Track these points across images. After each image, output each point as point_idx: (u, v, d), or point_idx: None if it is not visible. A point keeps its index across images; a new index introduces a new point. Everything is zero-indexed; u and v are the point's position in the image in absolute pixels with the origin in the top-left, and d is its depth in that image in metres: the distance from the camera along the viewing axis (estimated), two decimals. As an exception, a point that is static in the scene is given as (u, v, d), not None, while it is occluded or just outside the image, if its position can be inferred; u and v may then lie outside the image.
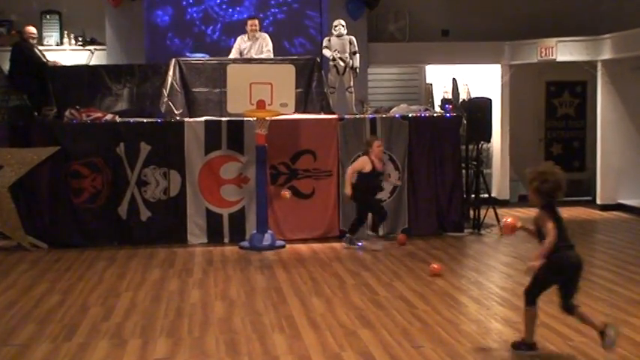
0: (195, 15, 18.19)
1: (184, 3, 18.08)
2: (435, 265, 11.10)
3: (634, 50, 16.03)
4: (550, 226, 6.96)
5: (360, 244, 12.86)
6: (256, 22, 15.67)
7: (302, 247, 13.05)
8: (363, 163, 12.67)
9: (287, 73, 13.22)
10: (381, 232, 13.73)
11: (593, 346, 7.61)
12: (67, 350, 7.68)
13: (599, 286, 10.07)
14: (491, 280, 10.72)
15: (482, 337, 8.08)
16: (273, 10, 18.28)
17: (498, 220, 14.26)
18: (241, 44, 15.59)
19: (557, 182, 7.09)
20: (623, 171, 17.12)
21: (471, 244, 13.44)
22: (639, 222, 15.59)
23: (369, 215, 13.10)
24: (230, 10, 18.16)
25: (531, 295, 7.28)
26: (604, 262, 11.58)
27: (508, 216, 8.54)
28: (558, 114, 18.90)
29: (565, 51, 17.16)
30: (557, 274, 7.14)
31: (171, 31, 18.11)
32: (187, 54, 15.82)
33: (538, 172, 7.22)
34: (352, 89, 15.06)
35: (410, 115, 14.19)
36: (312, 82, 14.86)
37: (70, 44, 17.55)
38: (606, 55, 16.80)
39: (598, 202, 16.93)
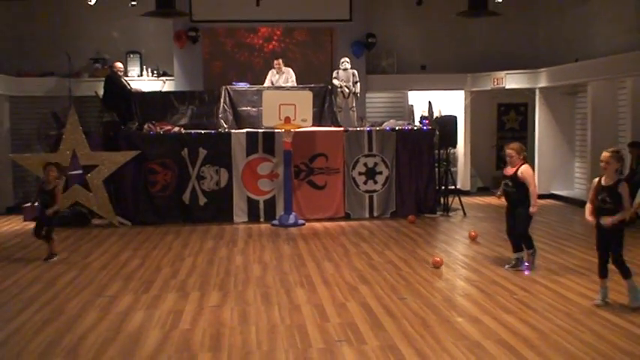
0: (237, 56, 18.22)
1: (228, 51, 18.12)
2: (473, 233, 11.36)
3: (563, 80, 15.97)
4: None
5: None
6: (280, 61, 15.75)
7: (317, 225, 13.00)
8: None
9: (306, 97, 13.21)
10: (375, 214, 13.72)
11: (532, 299, 7.57)
12: (144, 300, 7.70)
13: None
14: (457, 250, 10.66)
15: (449, 291, 8.05)
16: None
17: (462, 205, 14.22)
18: (272, 76, 15.65)
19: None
20: (554, 169, 17.04)
21: (442, 223, 13.37)
22: (567, 207, 15.49)
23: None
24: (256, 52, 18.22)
25: None
26: (541, 237, 11.49)
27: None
28: (506, 127, 18.77)
29: (512, 80, 17.06)
30: None
31: (221, 66, 18.15)
32: (234, 83, 15.80)
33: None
34: (354, 109, 15.04)
35: (397, 128, 14.12)
36: (325, 103, 14.88)
37: (147, 75, 17.56)
38: (542, 83, 16.70)
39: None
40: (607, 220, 7.09)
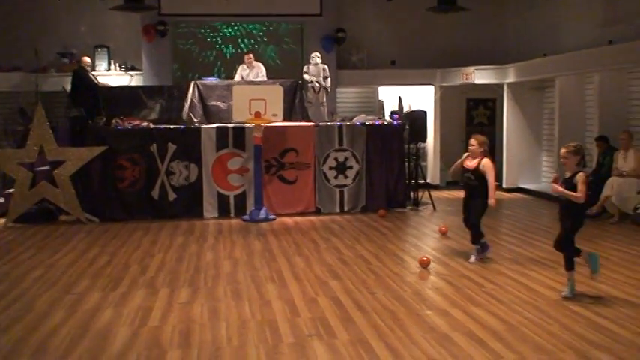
0: (207, 52, 18.17)
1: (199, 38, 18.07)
2: (443, 227, 11.34)
3: (530, 75, 16.13)
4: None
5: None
6: (251, 55, 15.75)
7: (288, 220, 13.00)
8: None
9: (277, 91, 13.20)
10: (346, 208, 13.75)
11: (500, 292, 7.65)
12: (113, 297, 7.64)
13: (504, 248, 10.11)
14: (426, 244, 10.73)
15: (419, 285, 8.10)
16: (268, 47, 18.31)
17: (432, 200, 14.31)
18: (242, 71, 15.63)
19: None
20: (522, 163, 17.22)
21: (412, 217, 13.44)
22: (534, 200, 15.67)
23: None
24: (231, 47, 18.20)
25: None
26: (509, 230, 11.62)
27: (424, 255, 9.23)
28: (475, 122, 18.92)
29: (480, 76, 17.18)
30: None
31: (190, 60, 18.09)
32: (203, 77, 15.76)
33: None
34: (325, 104, 15.04)
35: (367, 123, 14.16)
36: (296, 98, 14.87)
37: (115, 70, 17.48)
38: (510, 79, 16.85)
39: (504, 186, 16.99)
40: (555, 188, 7.35)
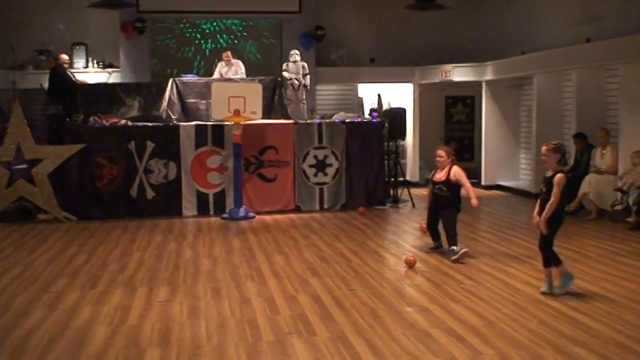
0: (186, 48, 18.12)
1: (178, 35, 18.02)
2: (424, 224, 10.86)
3: (508, 73, 16.23)
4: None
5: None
6: (229, 52, 15.73)
7: (267, 218, 12.99)
8: None
9: (256, 89, 13.19)
10: (326, 206, 13.77)
11: (479, 288, 7.70)
12: (91, 296, 7.60)
13: (483, 244, 10.18)
14: (406, 241, 10.77)
15: (399, 281, 8.14)
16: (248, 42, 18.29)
17: (411, 197, 14.36)
18: (221, 68, 15.59)
19: None
20: (500, 161, 17.29)
21: (391, 214, 13.48)
22: (512, 197, 15.78)
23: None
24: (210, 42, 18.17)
25: None
26: (487, 227, 11.70)
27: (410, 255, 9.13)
28: (454, 119, 19.01)
29: (459, 74, 17.27)
30: None
31: (169, 57, 18.03)
32: (181, 74, 15.71)
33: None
34: (304, 101, 15.08)
35: (347, 121, 14.18)
36: (275, 96, 14.86)
37: (93, 67, 17.39)
38: (488, 76, 16.94)
39: (483, 183, 17.07)
40: (536, 220, 7.43)
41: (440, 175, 9.31)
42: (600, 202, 12.38)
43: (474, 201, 9.05)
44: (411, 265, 8.79)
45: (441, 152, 9.35)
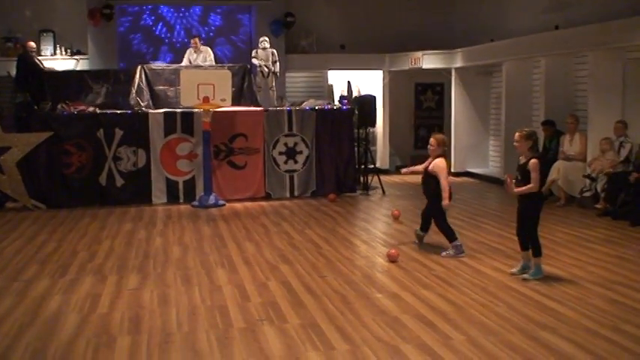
0: (155, 32, 17.97)
1: (146, 22, 17.85)
2: (396, 212, 11.25)
3: (477, 60, 16.33)
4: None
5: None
6: (197, 39, 15.62)
7: (237, 205, 12.97)
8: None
9: (225, 76, 13.13)
10: (296, 193, 13.78)
11: (449, 275, 7.77)
12: (61, 284, 7.55)
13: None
14: (376, 228, 10.83)
15: (369, 268, 8.18)
16: (218, 40, 18.19)
17: (381, 184, 14.42)
18: (189, 55, 15.49)
19: None
20: (469, 148, 17.44)
21: (361, 201, 13.53)
22: (482, 184, 15.91)
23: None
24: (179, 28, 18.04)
25: None
26: (457, 214, 11.76)
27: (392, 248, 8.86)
28: (424, 106, 19.12)
29: (429, 61, 17.34)
30: None
31: (137, 43, 17.87)
32: (150, 61, 15.58)
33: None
34: (274, 89, 15.07)
35: (317, 108, 14.18)
36: (244, 83, 14.79)
37: (61, 54, 17.19)
38: (458, 64, 17.03)
39: (452, 170, 17.13)
40: (510, 188, 7.51)
41: (425, 164, 9.00)
42: (569, 189, 12.54)
43: (444, 202, 8.66)
44: (393, 259, 8.42)
45: (432, 140, 8.97)
